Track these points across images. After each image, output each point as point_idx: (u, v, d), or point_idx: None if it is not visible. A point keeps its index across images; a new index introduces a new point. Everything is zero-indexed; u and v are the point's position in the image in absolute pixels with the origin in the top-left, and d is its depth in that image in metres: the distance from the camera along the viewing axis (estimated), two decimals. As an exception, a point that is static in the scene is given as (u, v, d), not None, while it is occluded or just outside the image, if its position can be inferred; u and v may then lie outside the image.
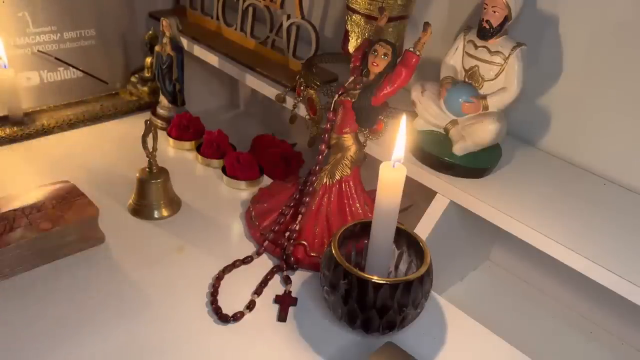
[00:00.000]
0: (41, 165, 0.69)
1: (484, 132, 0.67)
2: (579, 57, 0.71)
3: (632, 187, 0.70)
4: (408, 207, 0.78)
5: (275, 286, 0.66)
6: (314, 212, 0.70)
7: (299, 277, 0.68)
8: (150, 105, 1.00)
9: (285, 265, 0.68)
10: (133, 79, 1.03)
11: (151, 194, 0.74)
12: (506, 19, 0.64)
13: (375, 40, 0.64)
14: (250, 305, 0.62)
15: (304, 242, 0.69)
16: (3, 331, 0.57)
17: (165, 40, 0.88)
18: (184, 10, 1.04)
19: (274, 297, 0.64)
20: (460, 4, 0.79)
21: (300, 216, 0.69)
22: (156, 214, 0.75)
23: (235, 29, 0.95)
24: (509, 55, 0.66)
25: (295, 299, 0.64)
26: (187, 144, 0.91)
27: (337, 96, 0.66)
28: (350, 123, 0.67)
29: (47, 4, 0.91)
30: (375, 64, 0.63)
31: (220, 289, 0.64)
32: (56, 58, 0.95)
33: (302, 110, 0.80)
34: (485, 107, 0.68)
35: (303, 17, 0.85)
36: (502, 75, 0.67)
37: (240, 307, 0.62)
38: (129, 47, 1.03)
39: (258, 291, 0.65)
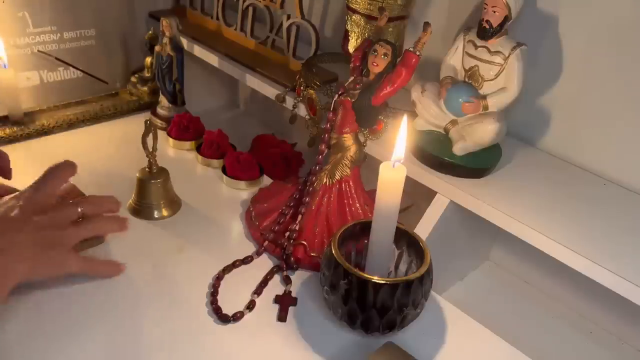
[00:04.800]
0: (41, 165, 0.69)
1: (484, 132, 0.67)
2: (579, 57, 0.71)
3: (632, 187, 0.70)
4: (408, 207, 0.78)
5: (275, 286, 0.66)
6: (314, 212, 0.70)
7: (299, 277, 0.68)
8: (150, 105, 1.00)
9: (285, 265, 0.68)
10: (133, 79, 1.03)
11: (151, 194, 0.74)
12: (506, 19, 0.64)
13: (375, 40, 0.64)
14: (250, 305, 0.62)
15: (304, 242, 0.69)
16: (2, 331, 0.57)
17: (165, 40, 0.88)
18: (184, 10, 1.04)
19: (274, 297, 0.64)
20: (460, 4, 0.79)
21: (300, 216, 0.69)
22: (156, 214, 0.75)
23: (235, 29, 0.95)
24: (509, 55, 0.66)
25: (295, 299, 0.64)
26: (187, 144, 0.91)
27: (337, 96, 0.66)
28: (350, 123, 0.67)
29: (47, 4, 0.91)
30: (375, 64, 0.63)
31: (220, 289, 0.64)
32: (56, 58, 0.95)
33: (302, 110, 0.80)
34: (485, 107, 0.68)
35: (303, 17, 0.85)
36: (502, 75, 0.67)
37: (240, 307, 0.62)
38: (129, 47, 1.03)
39: (258, 291, 0.65)
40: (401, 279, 0.55)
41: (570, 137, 0.74)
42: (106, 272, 0.64)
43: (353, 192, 0.70)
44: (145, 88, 1.02)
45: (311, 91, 0.76)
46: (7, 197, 0.60)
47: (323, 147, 0.69)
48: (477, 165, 0.69)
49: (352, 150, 0.69)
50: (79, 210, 0.61)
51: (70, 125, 0.94)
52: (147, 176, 0.74)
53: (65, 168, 0.63)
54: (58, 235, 0.58)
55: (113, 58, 1.02)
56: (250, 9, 0.91)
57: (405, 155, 0.55)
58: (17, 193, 0.61)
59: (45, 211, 0.59)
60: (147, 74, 1.02)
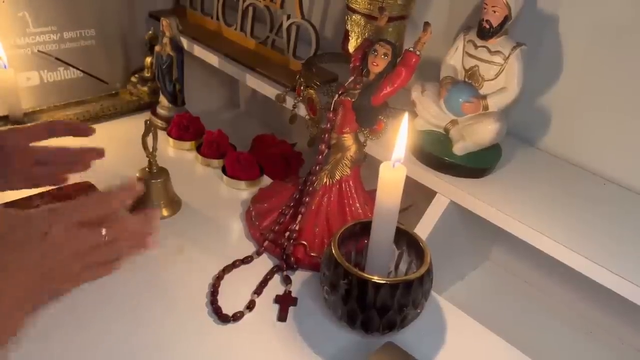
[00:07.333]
0: (41, 165, 0.70)
1: (484, 132, 0.67)
2: (579, 57, 0.71)
3: (632, 187, 0.70)
4: (408, 207, 0.78)
5: (275, 286, 0.66)
6: (314, 212, 0.70)
7: (299, 277, 0.68)
8: (150, 105, 1.00)
9: (285, 265, 0.68)
10: (133, 79, 1.03)
11: (151, 194, 0.74)
12: (506, 18, 0.64)
13: (375, 40, 0.64)
14: (250, 305, 0.62)
15: (304, 242, 0.69)
16: None
17: (165, 40, 0.88)
18: (184, 10, 1.04)
19: (274, 297, 0.64)
20: (460, 4, 0.79)
21: (300, 216, 0.69)
22: (156, 214, 0.75)
23: (235, 29, 0.95)
24: (509, 55, 0.66)
25: (295, 299, 0.64)
26: (187, 144, 0.91)
27: (337, 96, 0.66)
28: (350, 123, 0.67)
29: (47, 4, 0.91)
30: (375, 63, 0.63)
31: (220, 289, 0.64)
32: (56, 58, 0.95)
33: (302, 110, 0.80)
34: (485, 107, 0.68)
35: (303, 17, 0.85)
36: (502, 75, 0.67)
37: (240, 307, 0.62)
38: (129, 47, 1.03)
39: (258, 291, 0.65)
40: (401, 279, 0.55)
41: (570, 137, 0.74)
42: (106, 272, 0.52)
43: (353, 192, 0.70)
44: (145, 88, 1.02)
45: (311, 91, 0.76)
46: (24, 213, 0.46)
47: (323, 147, 0.68)
48: (477, 165, 0.69)
49: (352, 150, 0.69)
50: (104, 233, 0.49)
51: (70, 125, 0.94)
52: (147, 176, 0.74)
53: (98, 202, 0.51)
54: (67, 268, 0.48)
55: (113, 58, 1.02)
56: (250, 9, 0.91)
57: (405, 155, 0.55)
58: (39, 209, 0.46)
59: (67, 231, 0.47)
60: (147, 74, 1.02)
